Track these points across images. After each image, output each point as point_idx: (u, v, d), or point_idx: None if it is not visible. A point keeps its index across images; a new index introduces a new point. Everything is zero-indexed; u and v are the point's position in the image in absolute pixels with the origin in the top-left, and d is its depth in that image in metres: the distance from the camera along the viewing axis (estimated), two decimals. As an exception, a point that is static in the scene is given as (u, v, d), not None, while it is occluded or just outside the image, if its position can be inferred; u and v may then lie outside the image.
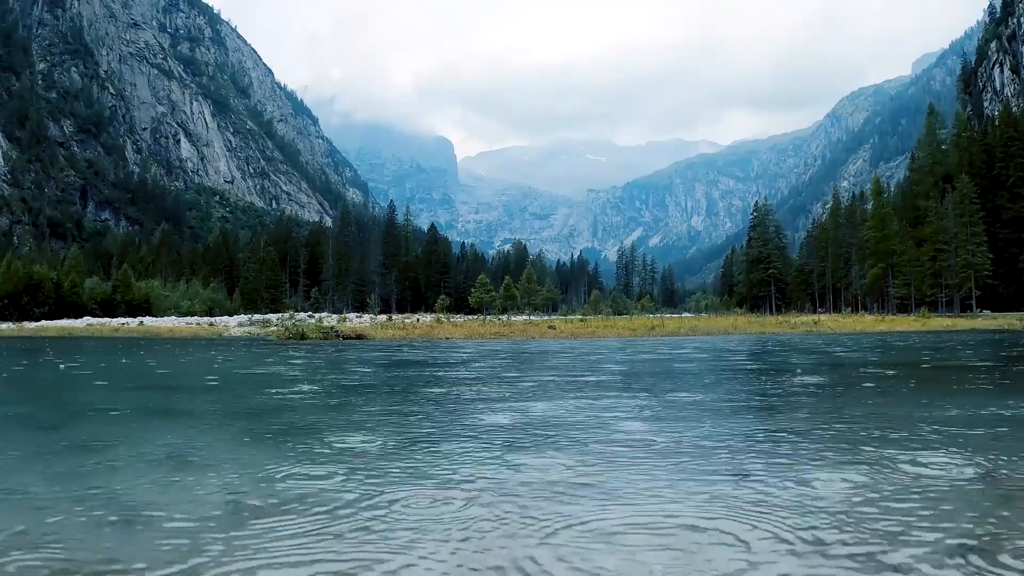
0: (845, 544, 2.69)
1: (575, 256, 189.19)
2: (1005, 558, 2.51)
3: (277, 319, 44.29)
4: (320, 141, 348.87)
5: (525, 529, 2.97)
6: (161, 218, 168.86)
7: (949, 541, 2.73)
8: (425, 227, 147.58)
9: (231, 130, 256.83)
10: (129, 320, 55.32)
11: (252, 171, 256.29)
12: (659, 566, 2.43)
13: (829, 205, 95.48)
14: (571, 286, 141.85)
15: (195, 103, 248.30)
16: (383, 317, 55.24)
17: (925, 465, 4.01)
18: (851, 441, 4.95)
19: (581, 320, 46.33)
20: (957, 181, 65.16)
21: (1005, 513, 3.10)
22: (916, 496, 3.39)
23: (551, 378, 10.19)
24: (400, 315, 65.42)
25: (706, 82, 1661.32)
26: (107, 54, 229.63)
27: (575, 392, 8.21)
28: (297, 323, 31.23)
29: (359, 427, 5.85)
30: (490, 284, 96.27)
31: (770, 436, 5.21)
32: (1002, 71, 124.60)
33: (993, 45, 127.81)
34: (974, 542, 2.76)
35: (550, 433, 5.43)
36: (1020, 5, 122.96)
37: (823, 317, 47.62)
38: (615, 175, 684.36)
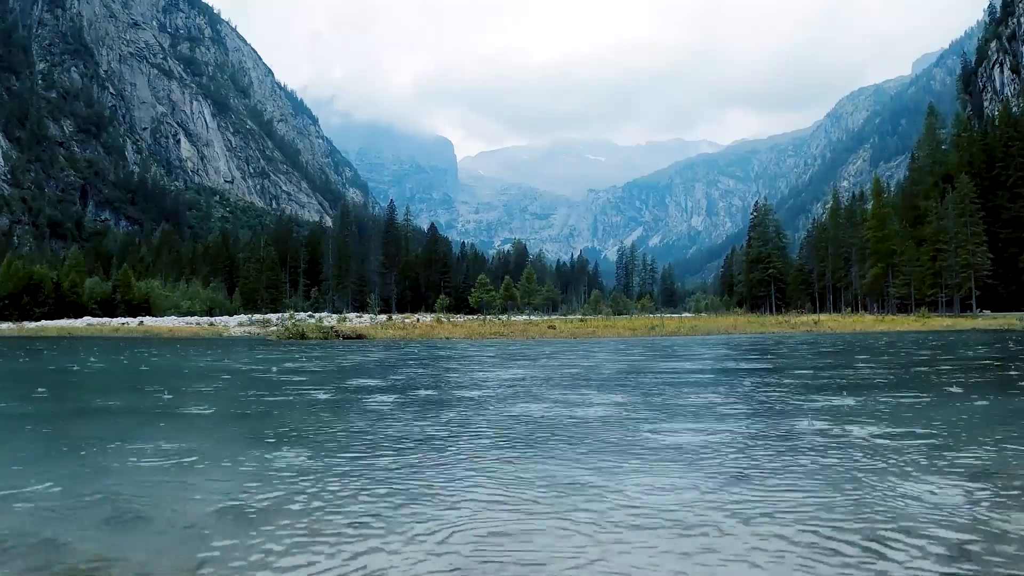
0: None
1: (575, 256, 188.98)
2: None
3: (277, 319, 44.26)
4: (320, 141, 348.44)
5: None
6: (161, 218, 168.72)
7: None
8: (425, 227, 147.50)
9: (231, 130, 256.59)
10: (129, 320, 55.28)
11: (252, 171, 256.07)
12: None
13: (829, 205, 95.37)
14: (571, 286, 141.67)
15: (195, 103, 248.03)
16: (383, 317, 55.19)
17: None
18: None
19: (581, 320, 46.31)
20: (957, 181, 65.09)
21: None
22: None
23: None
24: (400, 315, 65.37)
25: (706, 82, 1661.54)
26: (107, 54, 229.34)
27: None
28: (297, 323, 31.21)
29: (358, 428, 5.86)
30: (490, 284, 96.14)
31: None
32: (1002, 71, 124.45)
33: (993, 45, 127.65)
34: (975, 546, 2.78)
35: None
36: (1020, 5, 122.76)
37: (823, 317, 47.62)
38: (615, 175, 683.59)
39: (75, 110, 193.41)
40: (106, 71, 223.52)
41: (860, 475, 3.88)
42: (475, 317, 57.14)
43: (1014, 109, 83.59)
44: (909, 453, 4.48)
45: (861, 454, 4.48)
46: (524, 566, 2.56)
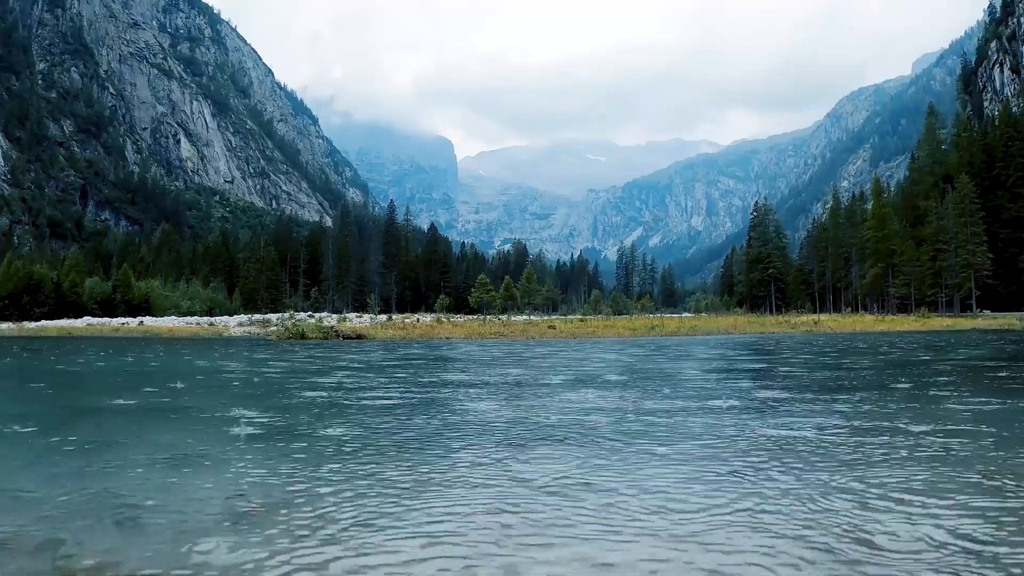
0: None
1: (575, 256, 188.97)
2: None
3: (277, 319, 44.24)
4: (320, 141, 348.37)
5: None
6: (161, 218, 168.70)
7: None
8: (425, 227, 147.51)
9: (231, 130, 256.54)
10: (129, 320, 55.26)
11: (252, 171, 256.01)
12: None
13: (829, 205, 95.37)
14: (571, 286, 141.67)
15: (195, 103, 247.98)
16: (383, 317, 55.18)
17: None
18: None
19: (581, 320, 46.30)
20: (957, 181, 65.09)
21: None
22: None
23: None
24: (400, 315, 65.36)
25: (706, 82, 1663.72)
26: (107, 54, 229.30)
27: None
28: (297, 323, 31.19)
29: (357, 428, 5.87)
30: (490, 284, 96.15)
31: None
32: (1002, 71, 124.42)
33: (993, 45, 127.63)
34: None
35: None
36: (1020, 5, 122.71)
37: (823, 317, 47.61)
38: (615, 175, 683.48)
39: (75, 110, 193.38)
40: (106, 71, 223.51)
41: (860, 476, 3.89)
42: (475, 317, 57.13)
43: (1014, 109, 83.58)
44: (908, 455, 4.49)
45: (860, 455, 4.48)
46: (525, 567, 2.57)
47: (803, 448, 4.71)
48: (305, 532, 2.94)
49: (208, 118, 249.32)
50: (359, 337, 27.29)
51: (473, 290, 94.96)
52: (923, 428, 5.41)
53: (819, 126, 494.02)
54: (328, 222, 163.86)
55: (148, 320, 54.79)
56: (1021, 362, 13.39)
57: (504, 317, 53.17)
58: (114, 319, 57.77)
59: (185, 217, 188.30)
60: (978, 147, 73.06)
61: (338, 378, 10.75)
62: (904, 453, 4.49)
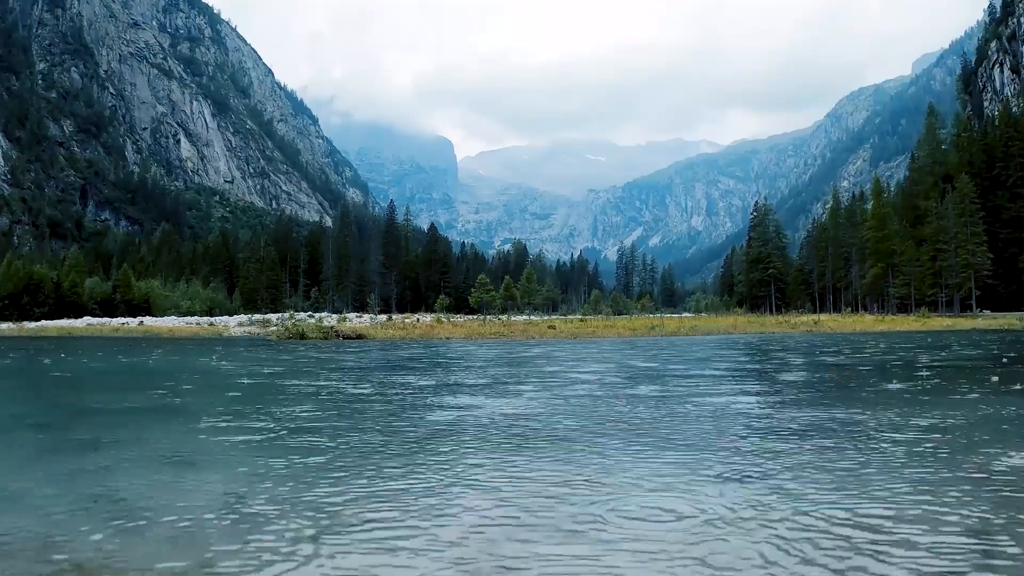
0: None
1: (575, 256, 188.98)
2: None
3: (277, 319, 44.24)
4: (320, 141, 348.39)
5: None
6: (161, 218, 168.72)
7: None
8: (425, 227, 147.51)
9: (231, 130, 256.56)
10: (129, 320, 55.27)
11: (252, 171, 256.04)
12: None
13: (829, 205, 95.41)
14: (571, 286, 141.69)
15: (195, 103, 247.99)
16: (383, 317, 55.17)
17: None
18: None
19: (581, 320, 46.29)
20: (957, 181, 65.09)
21: None
22: None
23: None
24: (400, 315, 65.35)
25: (706, 82, 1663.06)
26: (107, 54, 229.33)
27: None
28: (297, 323, 31.18)
29: (357, 429, 5.87)
30: (490, 284, 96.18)
31: None
32: (1002, 71, 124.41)
33: (993, 45, 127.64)
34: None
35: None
36: (1020, 5, 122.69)
37: (823, 317, 47.61)
38: (615, 175, 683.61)
39: (75, 110, 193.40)
40: (106, 71, 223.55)
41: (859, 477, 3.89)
42: (475, 317, 57.11)
43: (1014, 109, 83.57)
44: (904, 456, 4.49)
45: (859, 457, 4.48)
46: (522, 569, 2.57)
47: (799, 449, 4.71)
48: (304, 532, 2.94)
49: (208, 118, 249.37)
50: (359, 337, 27.28)
51: (473, 290, 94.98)
52: (922, 429, 5.40)
53: (819, 126, 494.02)
54: (328, 222, 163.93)
55: (148, 320, 54.79)
56: (1022, 363, 13.38)
57: (504, 317, 53.14)
58: (114, 319, 57.77)
59: (185, 217, 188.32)
60: (978, 147, 73.05)
61: (337, 378, 10.75)
62: (900, 454, 4.49)
